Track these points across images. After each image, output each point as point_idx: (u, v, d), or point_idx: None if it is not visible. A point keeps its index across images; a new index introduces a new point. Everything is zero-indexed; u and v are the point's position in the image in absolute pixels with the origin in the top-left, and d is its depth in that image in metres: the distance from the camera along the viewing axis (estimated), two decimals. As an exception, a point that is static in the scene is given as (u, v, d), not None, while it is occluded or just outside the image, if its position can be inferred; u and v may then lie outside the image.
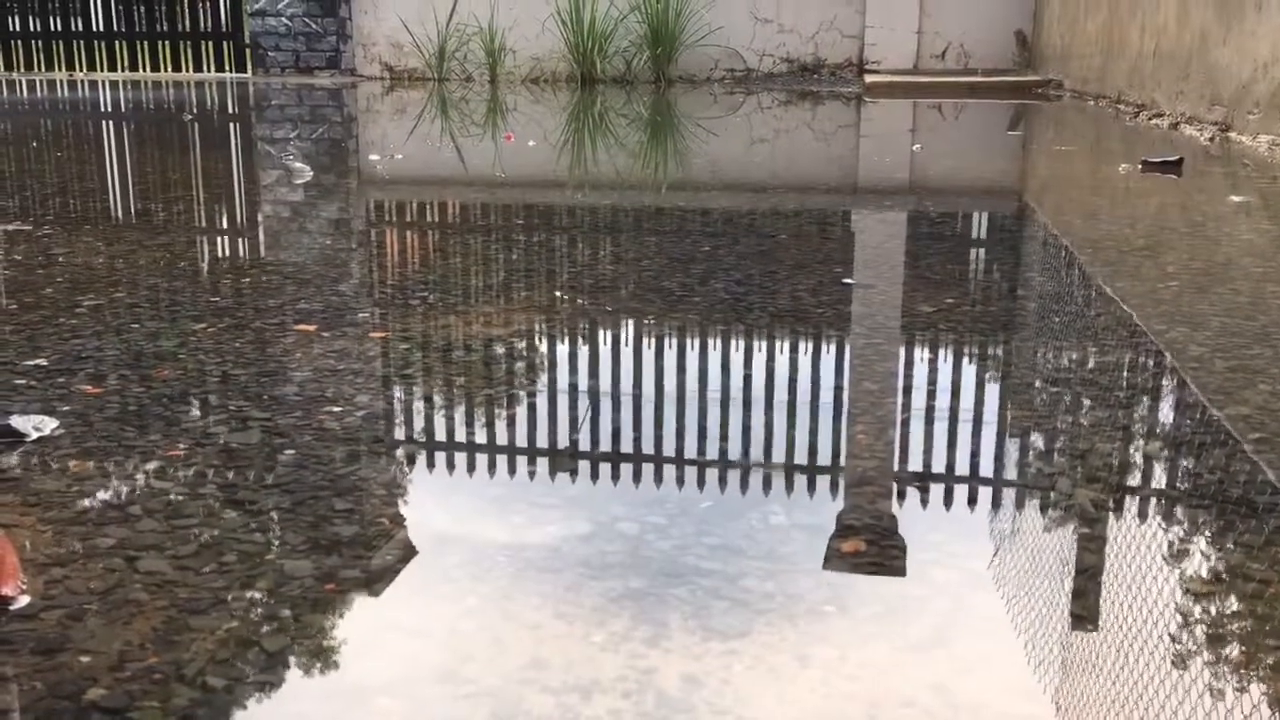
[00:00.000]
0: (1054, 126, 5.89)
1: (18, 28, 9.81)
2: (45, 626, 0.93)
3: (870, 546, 1.10)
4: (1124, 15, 6.28)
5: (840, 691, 0.86)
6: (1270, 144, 4.29)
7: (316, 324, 1.88)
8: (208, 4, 9.70)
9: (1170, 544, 1.11)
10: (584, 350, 1.79)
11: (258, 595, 0.99)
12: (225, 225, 3.02)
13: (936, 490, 1.25)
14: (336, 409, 1.46)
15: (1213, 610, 0.98)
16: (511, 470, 1.31)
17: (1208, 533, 1.13)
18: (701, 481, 1.26)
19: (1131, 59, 6.13)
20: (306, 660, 0.90)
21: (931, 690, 0.86)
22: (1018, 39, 8.59)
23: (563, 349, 1.80)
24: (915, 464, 1.32)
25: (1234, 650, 0.92)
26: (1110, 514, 1.18)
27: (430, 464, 1.33)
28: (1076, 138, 5.28)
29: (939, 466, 1.32)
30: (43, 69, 9.83)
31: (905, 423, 1.45)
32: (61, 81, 9.15)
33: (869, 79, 8.25)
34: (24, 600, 0.97)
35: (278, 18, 9.28)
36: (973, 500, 1.23)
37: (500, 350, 1.78)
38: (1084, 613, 1.00)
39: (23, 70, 9.65)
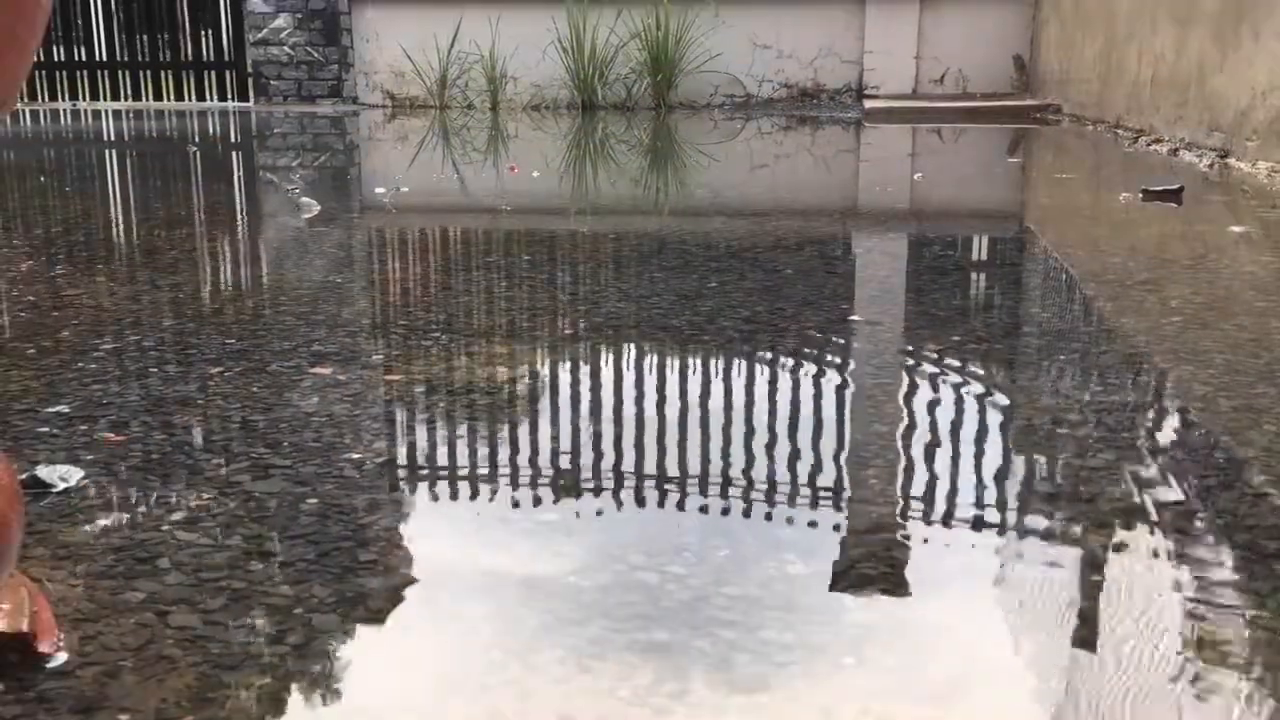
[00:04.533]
0: (1053, 152, 5.93)
1: (21, 58, 9.92)
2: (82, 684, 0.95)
3: (887, 595, 1.13)
4: (1121, 41, 6.33)
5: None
6: (1269, 171, 4.32)
7: (332, 366, 1.90)
8: (210, 33, 9.77)
9: (1183, 586, 1.13)
10: (593, 395, 1.82)
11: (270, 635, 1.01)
12: (234, 263, 3.05)
13: (951, 535, 1.27)
14: (355, 455, 1.49)
15: (1232, 654, 1.00)
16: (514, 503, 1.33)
17: (1221, 573, 1.15)
18: (721, 526, 1.29)
19: (1129, 84, 6.17)
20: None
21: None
22: (1016, 63, 8.66)
23: (572, 393, 1.82)
24: (928, 509, 1.35)
25: (1259, 693, 0.94)
26: (1126, 556, 1.20)
27: (450, 500, 1.36)
28: (1076, 164, 5.32)
29: (952, 511, 1.34)
30: (45, 99, 9.89)
31: (916, 466, 1.47)
32: (65, 111, 9.20)
33: (868, 104, 8.31)
34: (62, 657, 0.99)
35: (280, 47, 9.35)
36: (988, 544, 1.25)
37: (513, 393, 1.80)
38: (1104, 656, 1.02)
39: (25, 100, 9.72)
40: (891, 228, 3.57)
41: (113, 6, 9.78)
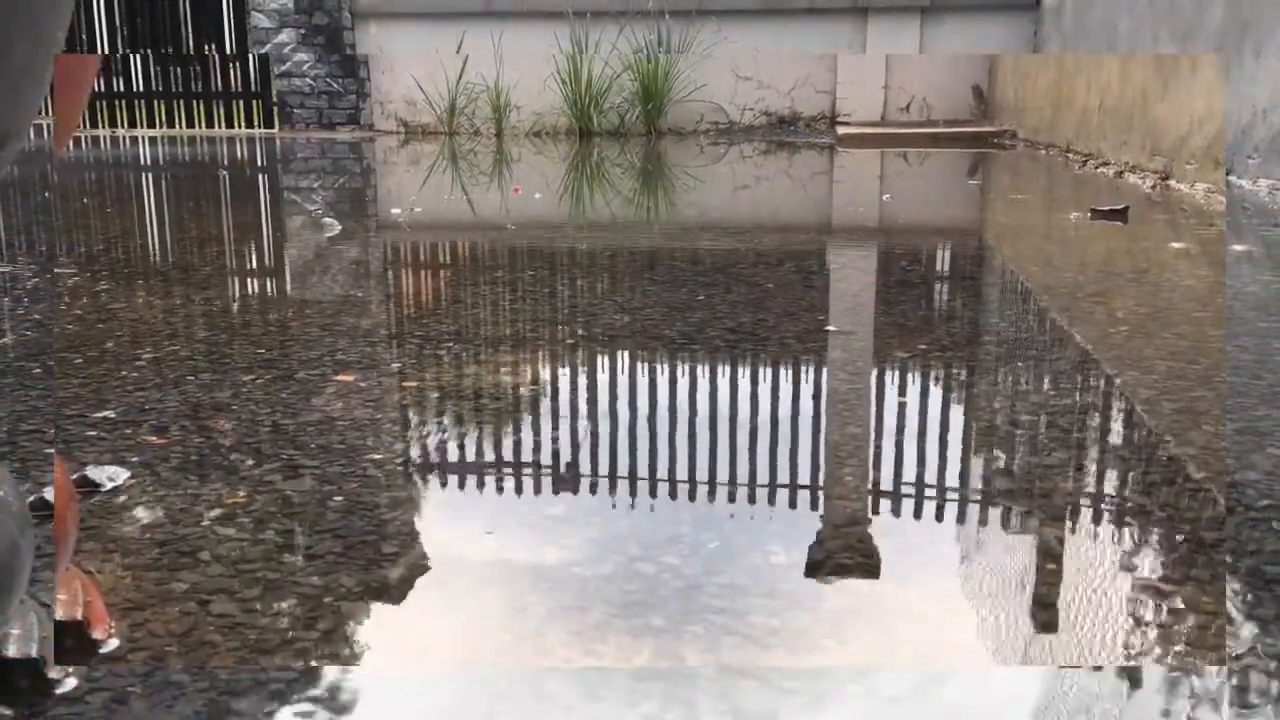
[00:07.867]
0: (1010, 174, 5.95)
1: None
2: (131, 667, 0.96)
3: (860, 582, 1.14)
4: (1070, 72, 6.36)
5: None
6: (1206, 192, 4.35)
7: (354, 373, 1.91)
8: (239, 66, 9.76)
9: (1125, 568, 1.14)
10: (592, 400, 1.83)
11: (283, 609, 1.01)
12: (263, 278, 3.05)
13: (920, 526, 1.28)
14: (376, 456, 1.49)
15: (1163, 630, 1.01)
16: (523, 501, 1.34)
17: (1161, 559, 1.16)
18: (711, 520, 1.30)
19: (1079, 112, 6.20)
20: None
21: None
22: (975, 93, 8.69)
23: (572, 397, 1.83)
24: (899, 503, 1.36)
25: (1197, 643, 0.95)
26: (1077, 543, 1.21)
27: (463, 496, 1.36)
28: (1030, 185, 5.34)
29: (920, 504, 1.35)
30: (88, 126, 9.87)
31: (887, 464, 1.48)
32: (106, 138, 9.19)
33: (841, 130, 8.33)
34: (114, 642, 0.99)
35: (302, 78, 9.35)
36: (953, 534, 1.26)
37: (518, 397, 1.81)
38: (1058, 633, 1.03)
39: (69, 127, 9.71)
40: (863, 244, 3.58)
41: (139, 34, 9.76)
